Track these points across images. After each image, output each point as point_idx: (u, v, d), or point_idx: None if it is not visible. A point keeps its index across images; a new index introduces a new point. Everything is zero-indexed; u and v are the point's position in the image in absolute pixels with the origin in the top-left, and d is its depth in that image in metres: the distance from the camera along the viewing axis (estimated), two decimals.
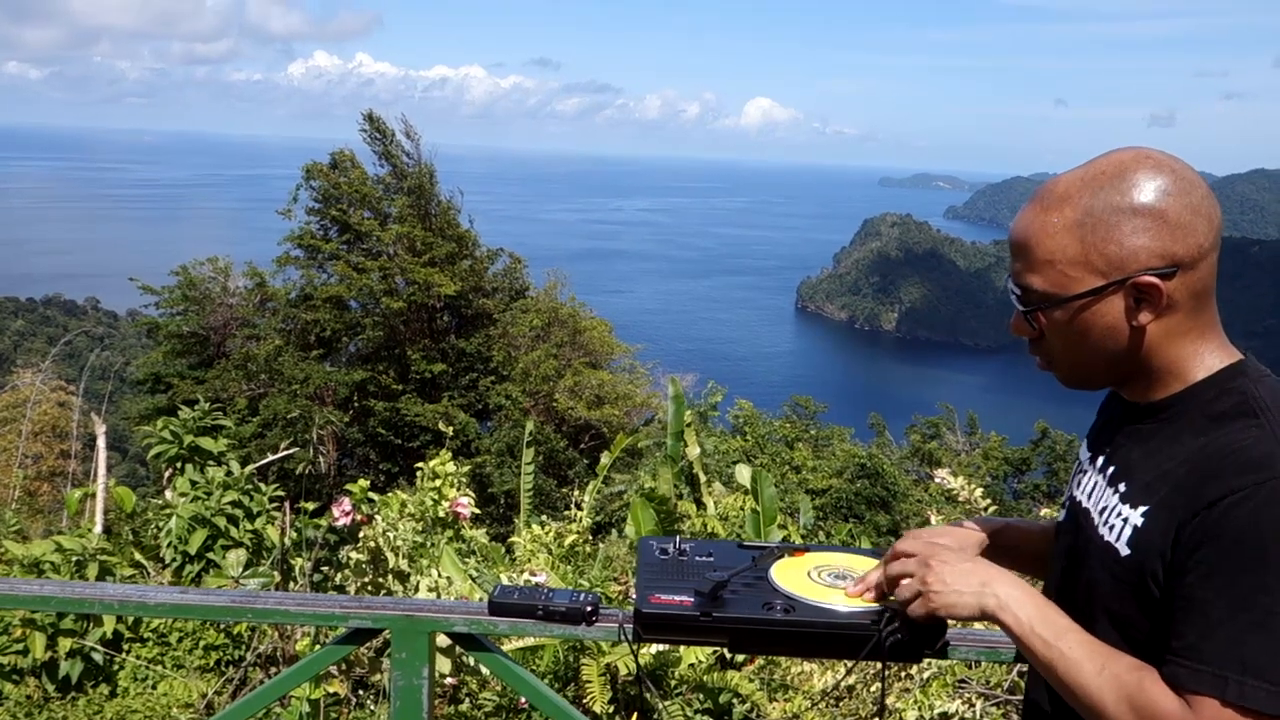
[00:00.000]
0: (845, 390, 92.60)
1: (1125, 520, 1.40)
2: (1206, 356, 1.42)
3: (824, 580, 1.78)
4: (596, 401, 23.32)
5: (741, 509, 8.56)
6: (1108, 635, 1.41)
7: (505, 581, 4.92)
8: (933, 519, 6.32)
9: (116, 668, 5.04)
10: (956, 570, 1.50)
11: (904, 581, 1.57)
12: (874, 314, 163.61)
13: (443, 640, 3.76)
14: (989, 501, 5.08)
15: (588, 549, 7.07)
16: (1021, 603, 1.44)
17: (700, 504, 9.25)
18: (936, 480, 5.59)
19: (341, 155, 25.45)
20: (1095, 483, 1.53)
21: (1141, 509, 1.38)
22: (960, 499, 5.09)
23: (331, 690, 4.27)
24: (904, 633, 1.61)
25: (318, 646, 3.84)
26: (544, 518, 7.97)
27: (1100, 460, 1.55)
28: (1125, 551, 1.38)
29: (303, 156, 25.92)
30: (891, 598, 1.64)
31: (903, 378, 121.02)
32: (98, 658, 4.92)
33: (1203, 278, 1.38)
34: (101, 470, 7.41)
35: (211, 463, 6.35)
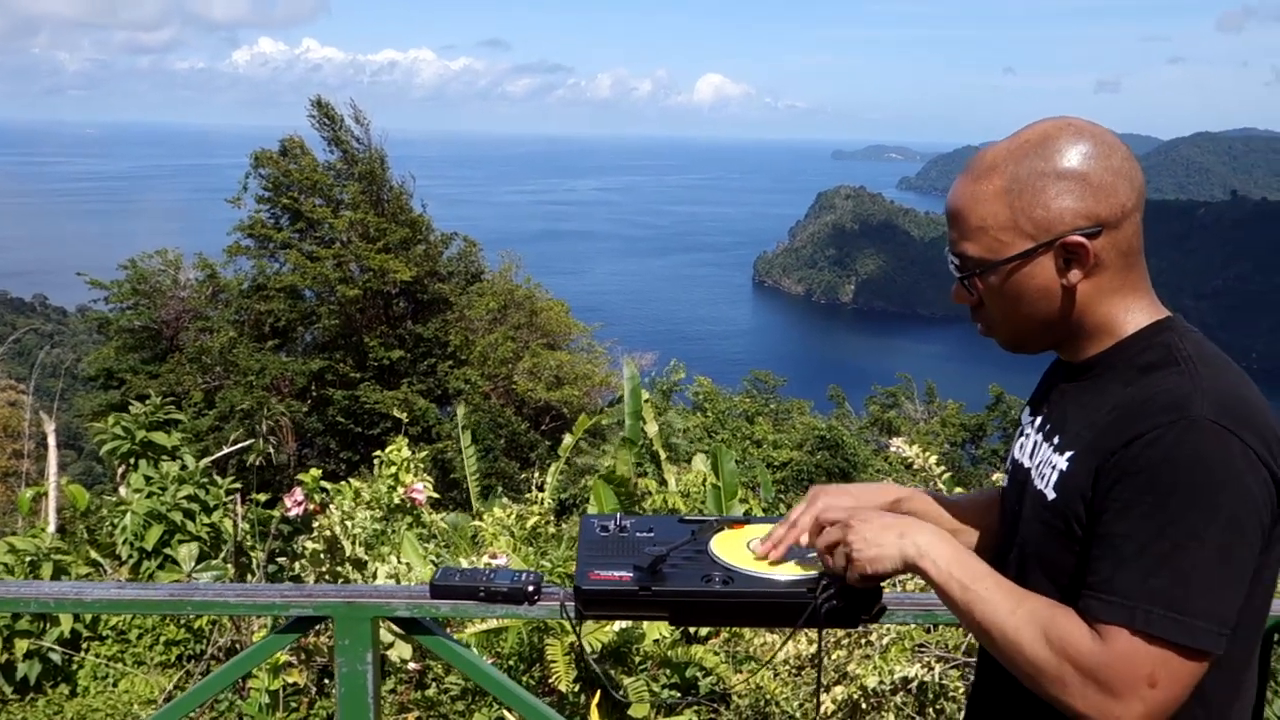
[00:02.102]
0: (804, 363, 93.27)
1: (1054, 467, 1.45)
2: (1136, 314, 1.47)
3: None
4: (556, 383, 23.27)
5: (703, 485, 8.62)
6: (1039, 583, 1.45)
7: (465, 565, 4.92)
8: None
9: (76, 667, 4.99)
10: (876, 525, 1.55)
11: (835, 551, 1.60)
12: (831, 287, 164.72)
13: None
14: (943, 468, 5.14)
15: (550, 530, 7.09)
16: (939, 549, 1.48)
17: (662, 481, 9.30)
18: (892, 449, 5.66)
19: (291, 142, 25.08)
20: (1035, 442, 1.58)
21: (1068, 454, 1.43)
22: (915, 467, 5.15)
23: (290, 680, 4.26)
24: (839, 599, 1.64)
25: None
26: (505, 500, 7.97)
27: (1039, 420, 1.59)
28: (1051, 495, 1.43)
29: (250, 145, 25.52)
30: (817, 566, 1.68)
31: (861, 349, 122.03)
32: (56, 658, 4.87)
33: (1128, 237, 1.43)
34: (53, 469, 7.30)
35: (166, 457, 6.28)
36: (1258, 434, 1.29)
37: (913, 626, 4.13)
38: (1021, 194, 1.43)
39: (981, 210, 1.46)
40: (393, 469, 5.04)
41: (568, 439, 9.20)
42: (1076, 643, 1.31)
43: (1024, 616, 1.37)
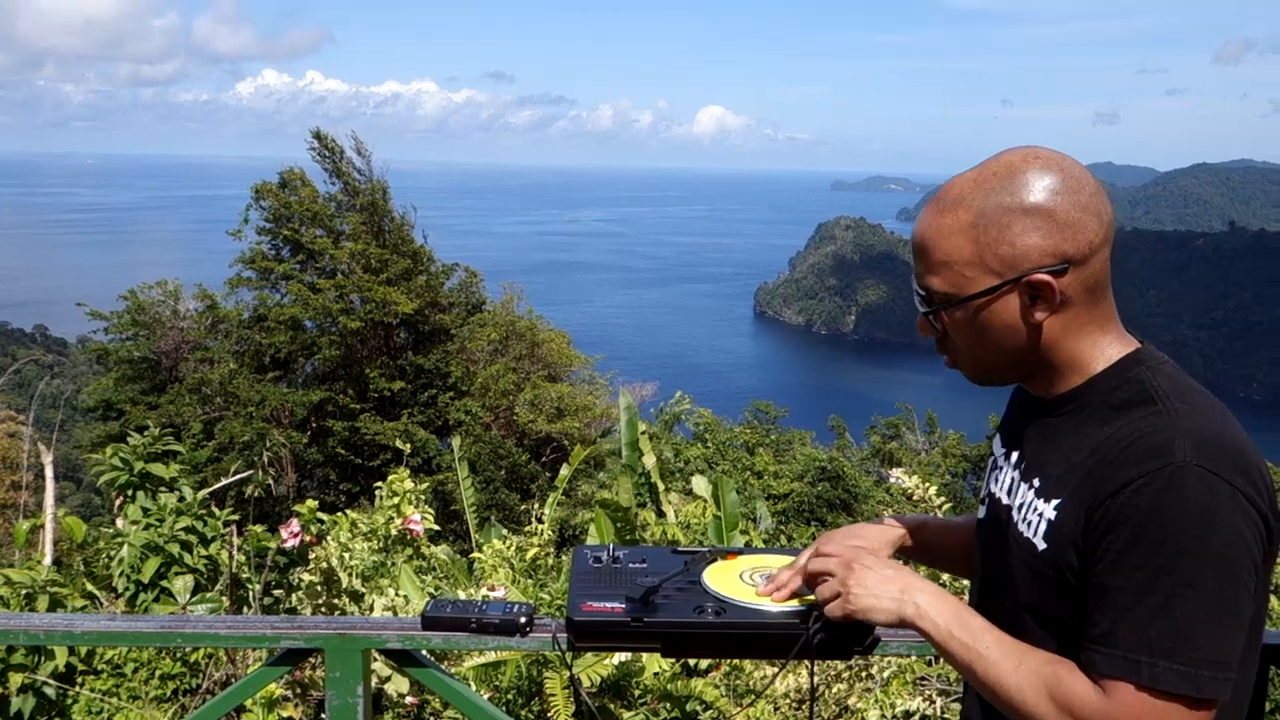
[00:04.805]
0: (806, 394, 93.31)
1: (1040, 514, 1.43)
2: (1105, 348, 1.45)
3: (756, 582, 1.80)
4: (557, 414, 23.25)
5: (703, 516, 8.58)
6: (1033, 631, 1.43)
7: (463, 597, 4.88)
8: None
9: (70, 701, 4.95)
10: (878, 576, 1.52)
11: (825, 582, 1.59)
12: (832, 317, 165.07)
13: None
14: (943, 499, 5.13)
15: (550, 561, 7.06)
16: (939, 609, 1.46)
17: (660, 513, 9.26)
18: (892, 480, 5.65)
19: (291, 174, 25.20)
20: (1012, 478, 1.56)
21: (1054, 502, 1.41)
22: (916, 498, 5.13)
23: (286, 715, 4.22)
24: (832, 631, 1.62)
25: None
26: (505, 532, 7.94)
27: (1014, 456, 1.58)
28: (1042, 546, 1.41)
29: (253, 176, 25.66)
30: (811, 596, 1.65)
31: (862, 379, 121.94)
32: (50, 692, 4.83)
33: (1095, 272, 1.41)
34: (49, 501, 7.28)
35: (164, 489, 6.25)
36: (1242, 473, 1.28)
37: (913, 659, 4.09)
38: (987, 230, 1.40)
39: (946, 245, 1.44)
40: (395, 500, 5.02)
41: (565, 470, 9.17)
42: (1081, 699, 1.30)
43: (1026, 674, 1.35)
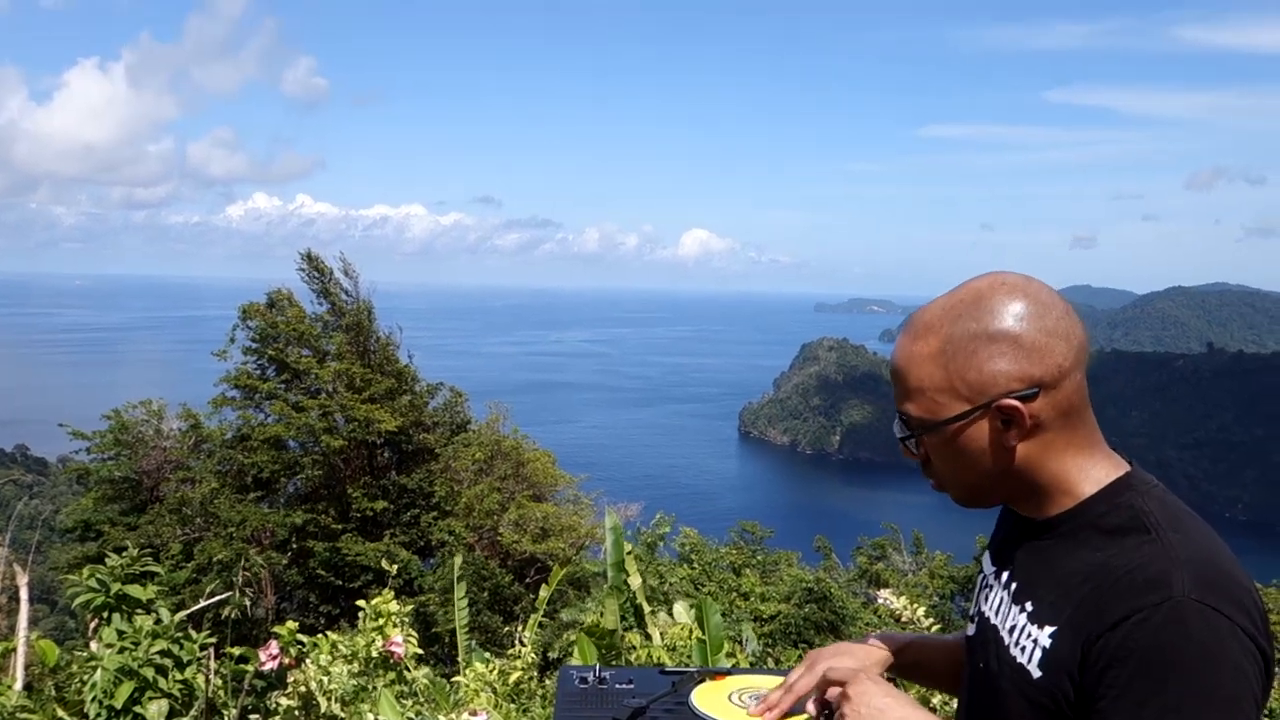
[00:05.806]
0: (791, 514, 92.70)
1: (1035, 641, 1.41)
2: (1091, 470, 1.45)
3: (745, 703, 1.77)
4: (541, 535, 23.01)
5: (688, 639, 8.43)
6: None
7: None
8: None
9: None
10: (875, 706, 1.49)
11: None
12: (817, 437, 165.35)
13: None
14: (932, 620, 5.07)
15: (533, 685, 6.91)
16: None
17: (647, 635, 9.11)
18: (879, 601, 5.59)
19: (279, 294, 25.39)
20: (1001, 599, 1.55)
21: (1049, 629, 1.40)
22: (904, 620, 5.08)
23: None
24: None
25: None
26: (488, 655, 7.78)
27: (1005, 576, 1.56)
28: (1037, 674, 1.39)
29: (241, 297, 25.85)
30: (802, 717, 1.63)
31: (848, 499, 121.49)
32: None
33: (1068, 395, 1.41)
34: (23, 623, 7.12)
35: (140, 611, 6.13)
36: (1240, 606, 1.28)
37: None
38: (955, 356, 1.42)
39: (918, 371, 1.46)
40: (379, 621, 4.93)
41: (544, 591, 9.05)
42: None
43: None
